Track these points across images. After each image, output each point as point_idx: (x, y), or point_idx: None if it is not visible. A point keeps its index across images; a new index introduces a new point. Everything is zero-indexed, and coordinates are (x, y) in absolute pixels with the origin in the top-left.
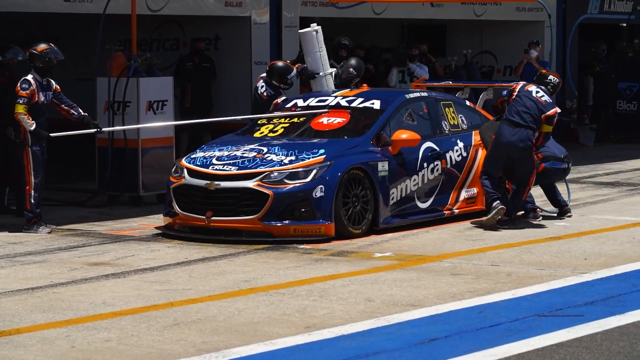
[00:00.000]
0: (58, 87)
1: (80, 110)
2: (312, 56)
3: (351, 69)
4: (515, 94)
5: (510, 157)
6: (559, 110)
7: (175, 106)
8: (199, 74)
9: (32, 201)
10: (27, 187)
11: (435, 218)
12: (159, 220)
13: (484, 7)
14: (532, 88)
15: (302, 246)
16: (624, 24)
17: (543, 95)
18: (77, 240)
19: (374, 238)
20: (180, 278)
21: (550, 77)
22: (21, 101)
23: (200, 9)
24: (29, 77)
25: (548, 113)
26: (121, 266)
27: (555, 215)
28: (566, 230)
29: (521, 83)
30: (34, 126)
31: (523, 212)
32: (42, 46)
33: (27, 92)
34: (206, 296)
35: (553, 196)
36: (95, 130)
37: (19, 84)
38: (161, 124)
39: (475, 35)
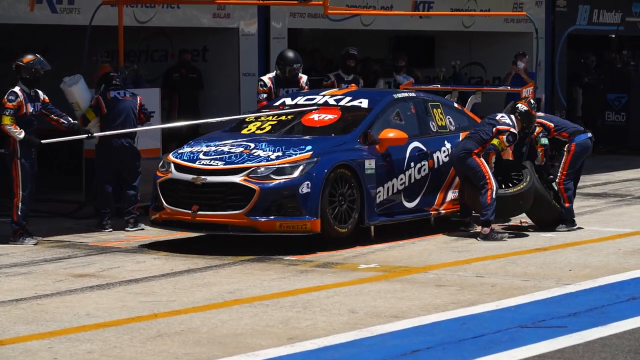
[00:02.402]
0: (46, 98)
1: (70, 119)
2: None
3: (295, 65)
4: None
5: (458, 169)
6: (513, 131)
7: (163, 117)
8: (186, 85)
9: (19, 213)
10: (15, 199)
11: (421, 218)
12: (146, 232)
13: (473, 18)
14: (499, 115)
15: (287, 257)
16: (613, 35)
17: (504, 117)
18: (63, 251)
19: (359, 249)
20: (164, 289)
21: (519, 105)
22: (7, 112)
23: (188, 21)
24: (16, 88)
25: (498, 127)
26: (106, 278)
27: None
28: (552, 242)
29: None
30: (22, 134)
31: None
32: (28, 57)
33: (14, 103)
34: (190, 308)
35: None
36: (87, 135)
37: (5, 96)
38: (154, 127)
39: (464, 46)
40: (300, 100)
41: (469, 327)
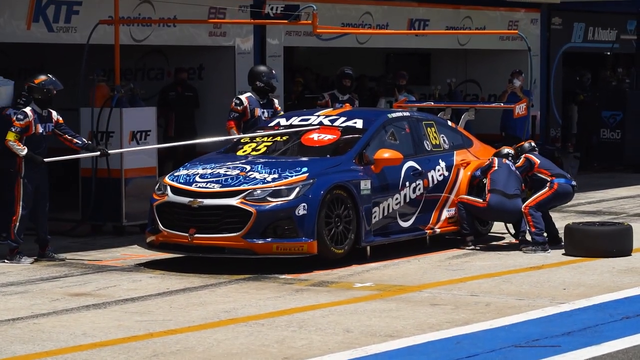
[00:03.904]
0: (60, 119)
1: (84, 139)
2: None
3: (264, 78)
4: (494, 168)
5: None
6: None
7: (159, 135)
8: (182, 103)
9: (16, 231)
10: (14, 217)
11: (417, 237)
12: (142, 250)
13: (468, 36)
14: (508, 162)
15: (283, 276)
16: (608, 53)
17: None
18: (59, 270)
19: (355, 268)
20: (160, 308)
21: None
22: (13, 129)
23: (184, 39)
24: (27, 109)
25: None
26: (102, 297)
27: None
28: (546, 260)
29: (496, 159)
30: (25, 151)
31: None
32: (40, 78)
33: (22, 122)
34: (186, 327)
35: (550, 224)
36: (100, 153)
37: (15, 115)
38: (165, 145)
39: (460, 64)
40: (295, 120)
41: (463, 347)
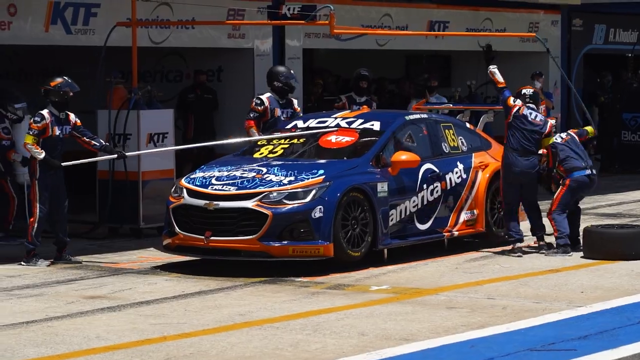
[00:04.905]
0: (78, 121)
1: (102, 141)
2: None
3: (282, 77)
4: (510, 119)
5: (523, 183)
6: (554, 122)
7: (178, 137)
8: (201, 105)
9: (33, 233)
10: (32, 219)
11: (434, 240)
12: (159, 253)
13: (488, 38)
14: (525, 112)
15: (299, 279)
16: (630, 54)
17: (536, 116)
18: (75, 273)
19: (372, 270)
20: (175, 312)
21: (524, 91)
22: (30, 132)
23: (203, 41)
24: (44, 111)
25: (546, 132)
26: (117, 299)
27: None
28: (565, 263)
29: (515, 107)
30: (43, 154)
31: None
32: (56, 80)
33: (39, 125)
34: (200, 330)
35: (575, 227)
36: (117, 156)
37: (33, 118)
38: (183, 147)
39: (480, 66)
40: (312, 122)
41: (478, 350)
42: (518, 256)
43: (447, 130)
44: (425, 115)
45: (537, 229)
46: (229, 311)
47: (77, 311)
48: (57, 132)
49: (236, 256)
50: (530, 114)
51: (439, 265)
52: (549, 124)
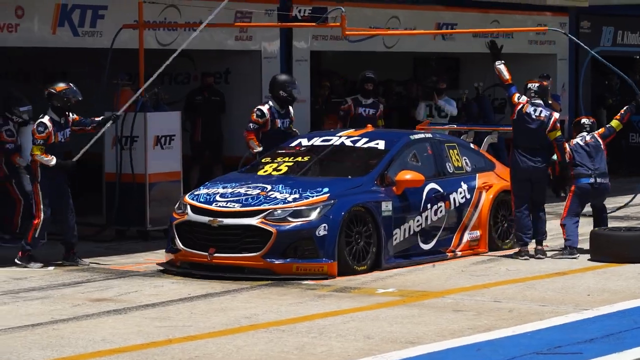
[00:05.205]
0: (76, 117)
1: (96, 119)
2: None
3: (289, 88)
4: (514, 117)
5: (532, 180)
6: (557, 116)
7: (186, 139)
8: (209, 107)
9: (36, 235)
10: (36, 222)
11: (438, 260)
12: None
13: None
14: (529, 109)
15: (305, 282)
16: (638, 57)
17: (541, 112)
18: (81, 275)
19: (378, 274)
20: (181, 314)
21: (530, 85)
22: (37, 142)
23: (210, 43)
24: (45, 119)
25: (549, 127)
26: (123, 302)
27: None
28: (571, 266)
29: (519, 104)
30: (54, 160)
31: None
32: (61, 86)
33: (43, 134)
34: (206, 333)
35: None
36: (111, 119)
37: (35, 127)
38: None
39: (489, 68)
40: (317, 141)
41: (484, 353)
42: (525, 259)
43: (451, 150)
44: (429, 135)
45: (538, 234)
46: (235, 314)
47: (83, 314)
48: (60, 137)
49: (240, 273)
50: (535, 110)
51: (445, 268)
52: (552, 119)
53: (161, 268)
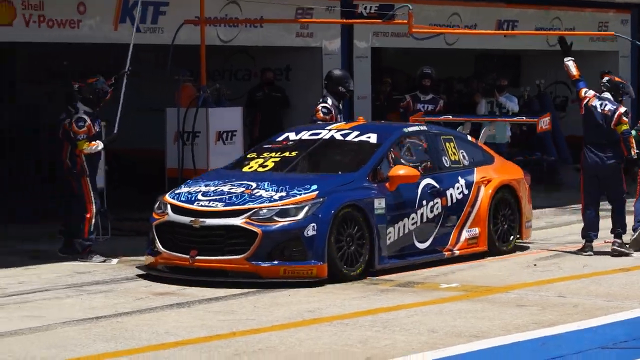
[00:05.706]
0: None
1: (109, 82)
2: None
3: (347, 83)
4: (582, 111)
5: (600, 177)
6: (623, 110)
7: (246, 135)
8: (268, 103)
9: (91, 229)
10: (88, 215)
11: (434, 259)
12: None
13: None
14: (595, 102)
15: (368, 276)
16: None
17: (606, 105)
18: (144, 270)
19: (441, 268)
20: (244, 308)
21: (604, 79)
22: (80, 137)
23: (271, 40)
24: (81, 113)
25: (614, 121)
26: (186, 296)
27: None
28: (636, 262)
29: (585, 99)
30: (101, 145)
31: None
32: (92, 78)
33: (84, 129)
34: (269, 326)
35: None
36: (125, 73)
37: (74, 123)
38: None
39: (550, 65)
40: (305, 135)
41: (549, 348)
42: (588, 255)
43: (447, 144)
44: (424, 128)
45: (617, 226)
46: (298, 308)
47: (146, 307)
48: (97, 128)
49: (223, 277)
50: (601, 104)
51: (508, 263)
52: (617, 113)
53: (141, 272)
